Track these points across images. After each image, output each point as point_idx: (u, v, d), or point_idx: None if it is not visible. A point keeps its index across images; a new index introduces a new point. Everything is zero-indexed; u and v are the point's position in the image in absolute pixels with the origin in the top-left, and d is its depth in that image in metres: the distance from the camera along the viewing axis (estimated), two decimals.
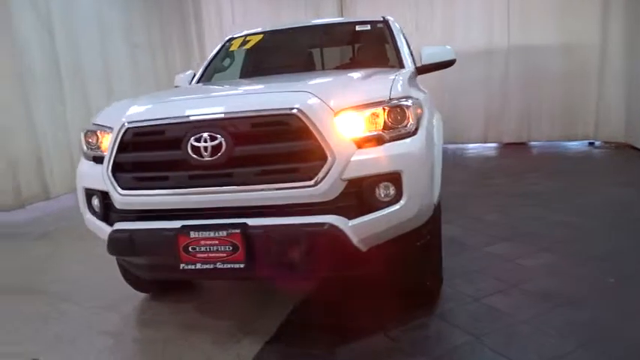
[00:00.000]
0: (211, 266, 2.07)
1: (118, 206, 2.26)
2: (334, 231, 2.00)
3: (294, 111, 2.00)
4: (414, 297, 2.73)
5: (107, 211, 2.35)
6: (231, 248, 2.04)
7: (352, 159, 2.04)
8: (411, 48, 3.63)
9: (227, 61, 3.80)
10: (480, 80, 8.39)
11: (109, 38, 7.24)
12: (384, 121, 2.14)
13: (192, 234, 2.07)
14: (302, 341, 2.39)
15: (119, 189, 2.21)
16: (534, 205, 4.58)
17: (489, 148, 8.54)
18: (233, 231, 2.03)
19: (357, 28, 3.70)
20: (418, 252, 2.42)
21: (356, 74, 2.68)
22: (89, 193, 2.41)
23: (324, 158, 2.00)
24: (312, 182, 2.00)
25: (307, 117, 2.00)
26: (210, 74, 3.74)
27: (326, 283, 2.98)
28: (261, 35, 3.85)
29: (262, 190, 2.04)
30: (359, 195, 2.08)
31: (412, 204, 2.12)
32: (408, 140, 2.15)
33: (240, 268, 2.05)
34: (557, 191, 5.12)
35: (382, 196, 2.10)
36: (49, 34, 6.19)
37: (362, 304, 2.76)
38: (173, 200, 2.15)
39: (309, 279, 2.75)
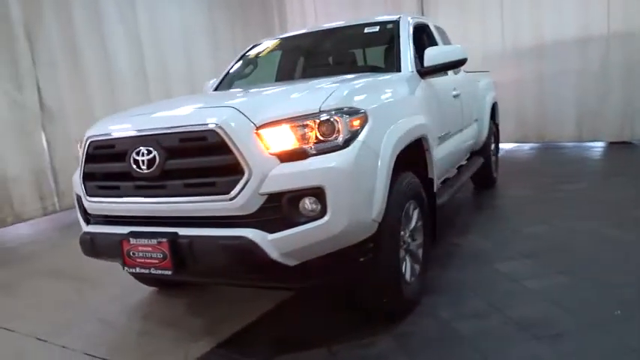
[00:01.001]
0: (147, 271, 2.23)
1: (88, 211, 2.53)
2: (248, 245, 2.03)
3: (212, 126, 2.06)
4: (376, 314, 2.63)
5: (87, 215, 2.63)
6: (161, 255, 2.17)
7: (271, 173, 2.05)
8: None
9: (250, 68, 3.94)
10: (574, 71, 7.52)
11: (192, 42, 7.88)
12: (311, 135, 2.10)
13: (132, 240, 2.25)
14: (245, 349, 2.45)
15: (87, 196, 2.47)
16: (591, 218, 4.04)
17: (584, 147, 7.64)
18: (162, 240, 2.16)
19: (366, 30, 3.60)
20: (364, 269, 2.33)
21: (310, 84, 2.63)
22: (77, 198, 2.72)
23: (241, 173, 2.04)
24: (228, 197, 2.05)
25: (225, 132, 2.05)
26: (230, 81, 3.92)
27: (307, 294, 2.99)
28: (278, 41, 3.93)
29: (187, 202, 2.14)
30: (280, 209, 2.07)
31: (338, 220, 2.07)
32: (334, 154, 2.09)
33: (169, 275, 2.18)
34: (629, 201, 4.45)
35: (306, 211, 2.08)
36: (136, 41, 6.97)
37: (325, 316, 2.73)
38: (122, 208, 2.35)
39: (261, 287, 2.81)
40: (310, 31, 3.97)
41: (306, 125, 2.11)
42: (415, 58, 3.25)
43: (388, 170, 2.28)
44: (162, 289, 3.38)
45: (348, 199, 2.09)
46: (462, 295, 2.81)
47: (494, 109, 5.47)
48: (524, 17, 7.81)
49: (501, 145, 8.77)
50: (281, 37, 3.96)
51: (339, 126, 2.11)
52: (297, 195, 2.06)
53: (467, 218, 4.42)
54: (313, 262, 2.19)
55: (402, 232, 2.56)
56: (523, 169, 6.68)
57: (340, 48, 3.77)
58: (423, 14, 8.78)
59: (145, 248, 2.21)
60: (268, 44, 3.98)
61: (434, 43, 3.95)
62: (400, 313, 2.58)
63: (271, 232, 2.07)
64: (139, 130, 2.26)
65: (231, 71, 3.95)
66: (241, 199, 2.04)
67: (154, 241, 2.18)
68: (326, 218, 2.05)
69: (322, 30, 4.03)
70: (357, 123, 2.20)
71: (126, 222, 2.37)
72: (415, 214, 2.74)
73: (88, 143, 2.43)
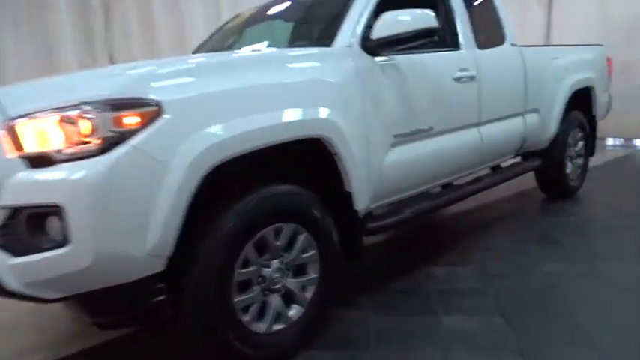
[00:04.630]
0: None
1: None
2: None
3: None
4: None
5: None
6: None
7: (8, 182, 1.58)
8: None
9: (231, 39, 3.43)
10: None
11: None
12: (65, 134, 1.57)
13: None
14: None
15: None
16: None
17: None
18: None
19: None
20: (160, 310, 1.74)
21: (125, 66, 1.97)
22: None
23: None
24: None
25: None
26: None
27: None
28: (248, 12, 3.34)
29: None
30: (23, 229, 1.60)
31: (84, 251, 1.53)
32: (83, 163, 1.53)
33: None
34: None
35: (51, 234, 1.58)
36: (215, 17, 6.90)
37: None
38: None
39: None
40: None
41: (62, 120, 1.58)
42: (368, 28, 2.39)
43: (184, 186, 1.63)
44: None
45: (98, 225, 1.53)
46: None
47: (580, 96, 4.08)
48: None
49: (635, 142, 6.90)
50: (256, 6, 3.35)
51: (94, 124, 1.54)
52: (39, 213, 1.57)
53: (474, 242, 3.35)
54: (96, 296, 1.70)
55: (254, 267, 1.90)
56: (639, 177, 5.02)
57: (294, 18, 3.02)
58: None
59: None
60: (241, 15, 3.41)
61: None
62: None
63: (16, 254, 1.61)
64: None
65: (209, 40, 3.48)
66: None
67: None
68: (68, 247, 1.53)
69: None
70: (133, 121, 1.58)
71: None
72: (301, 241, 2.03)
73: None
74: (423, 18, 2.30)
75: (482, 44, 3.10)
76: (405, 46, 2.37)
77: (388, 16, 2.31)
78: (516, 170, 3.52)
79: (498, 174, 3.36)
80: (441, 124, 2.72)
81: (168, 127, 1.62)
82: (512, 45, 3.43)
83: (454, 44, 2.96)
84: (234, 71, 1.90)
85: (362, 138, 2.24)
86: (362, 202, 2.27)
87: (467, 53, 2.97)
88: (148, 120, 1.60)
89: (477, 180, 3.20)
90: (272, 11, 3.13)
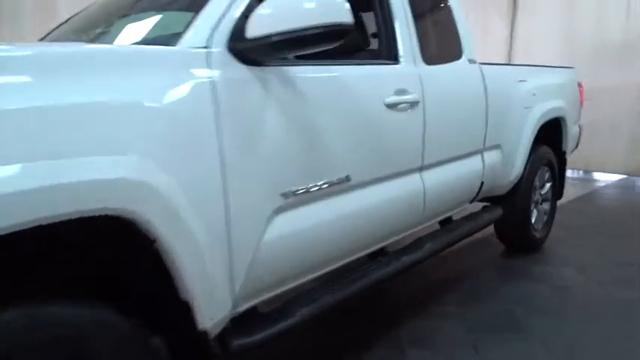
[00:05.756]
0: None
1: None
2: None
3: None
4: None
5: None
6: None
7: None
8: None
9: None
10: None
11: None
12: None
13: None
14: None
15: None
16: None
17: None
18: None
19: None
20: None
21: None
22: None
23: None
24: None
25: None
26: None
27: None
28: None
29: None
30: None
31: None
32: None
33: None
34: None
35: None
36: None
37: None
38: None
39: None
40: None
41: None
42: (243, 19, 1.47)
43: None
44: None
45: None
46: None
47: (549, 128, 3.32)
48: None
49: (603, 177, 6.31)
50: None
51: None
52: None
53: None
54: None
55: None
56: (611, 220, 4.32)
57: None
58: None
59: None
60: None
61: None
62: None
63: None
64: None
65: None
66: None
67: None
68: None
69: None
70: None
71: None
72: None
73: None
74: (332, 9, 1.40)
75: (430, 58, 2.25)
76: (305, 51, 1.47)
77: (276, 2, 1.40)
78: (471, 226, 2.68)
79: (446, 233, 2.50)
80: (363, 171, 1.83)
81: None
82: (471, 61, 2.61)
83: (390, 56, 2.09)
84: None
85: (215, 205, 1.32)
86: (212, 314, 1.33)
87: (408, 69, 2.10)
88: None
89: (418, 243, 2.33)
90: None
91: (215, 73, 1.35)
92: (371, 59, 2.14)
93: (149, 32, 1.69)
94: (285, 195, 1.53)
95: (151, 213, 1.12)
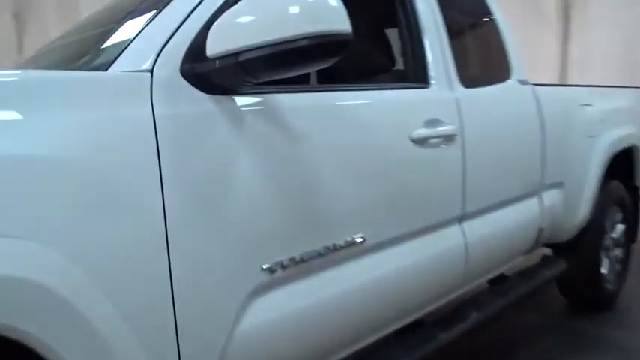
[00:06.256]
0: None
1: None
2: None
3: None
4: None
5: None
6: None
7: None
8: None
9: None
10: None
11: None
12: None
13: None
14: None
15: None
16: None
17: None
18: None
19: None
20: None
21: None
22: None
23: None
24: None
25: None
26: None
27: None
28: None
29: None
30: None
31: None
32: None
33: None
34: None
35: None
36: None
37: None
38: None
39: None
40: None
41: None
42: (198, 36, 1.09)
43: None
44: None
45: None
46: None
47: (621, 159, 2.77)
48: None
49: None
50: None
51: None
52: None
53: None
54: None
55: None
56: None
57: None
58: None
59: None
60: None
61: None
62: None
63: None
64: None
65: None
66: None
67: None
68: None
69: None
70: None
71: None
72: None
73: None
74: (323, 14, 0.99)
75: (470, 79, 1.80)
76: (289, 73, 1.06)
77: (248, 8, 1.01)
78: (528, 286, 2.15)
79: (497, 297, 1.99)
80: (381, 228, 1.39)
81: None
82: (522, 82, 2.13)
83: (417, 77, 1.66)
84: None
85: (158, 312, 0.91)
86: None
87: (441, 93, 1.66)
88: None
89: (461, 312, 1.83)
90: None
91: (160, 108, 0.97)
92: (393, 82, 1.72)
93: (89, 54, 1.32)
94: (268, 269, 1.11)
95: (52, 333, 0.74)
